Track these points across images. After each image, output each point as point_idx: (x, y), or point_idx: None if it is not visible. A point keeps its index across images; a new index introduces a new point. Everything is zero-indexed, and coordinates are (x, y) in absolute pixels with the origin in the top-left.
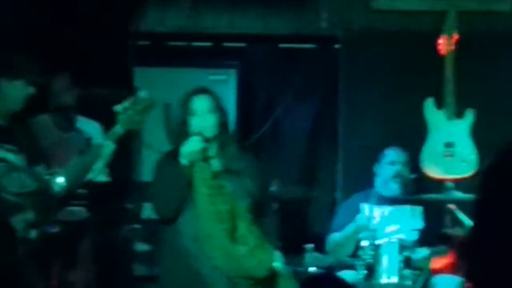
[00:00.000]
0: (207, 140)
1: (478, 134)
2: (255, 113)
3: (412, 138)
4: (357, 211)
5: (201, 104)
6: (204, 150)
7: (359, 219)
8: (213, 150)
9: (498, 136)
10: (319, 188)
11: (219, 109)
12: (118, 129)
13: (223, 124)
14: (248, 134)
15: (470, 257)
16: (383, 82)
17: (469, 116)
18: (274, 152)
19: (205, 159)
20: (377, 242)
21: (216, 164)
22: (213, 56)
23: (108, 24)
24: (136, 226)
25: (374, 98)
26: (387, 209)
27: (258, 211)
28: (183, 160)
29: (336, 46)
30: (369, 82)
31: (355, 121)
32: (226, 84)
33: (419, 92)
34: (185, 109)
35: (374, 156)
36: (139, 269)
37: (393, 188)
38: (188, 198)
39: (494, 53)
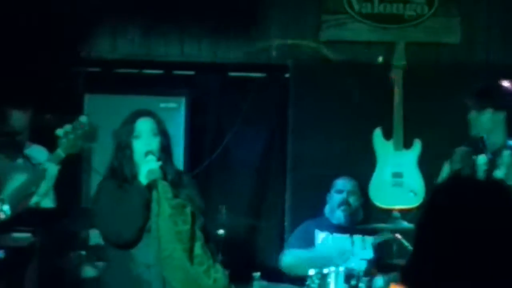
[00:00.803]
0: (158, 159)
1: (426, 165)
2: (204, 141)
3: (361, 167)
4: (311, 237)
5: (145, 126)
6: (161, 168)
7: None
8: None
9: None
10: (267, 216)
11: (162, 132)
12: (60, 152)
13: (165, 147)
14: (197, 161)
15: (408, 282)
16: (332, 111)
17: (417, 147)
18: (223, 180)
19: (164, 178)
20: (324, 270)
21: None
22: (163, 84)
23: (58, 51)
24: (83, 252)
25: (323, 127)
26: (337, 237)
27: (206, 231)
28: (143, 180)
29: (286, 75)
30: (319, 112)
31: (304, 150)
32: (177, 112)
33: (367, 122)
34: (129, 132)
35: (322, 185)
36: None
37: (339, 216)
38: (145, 222)
39: (442, 84)
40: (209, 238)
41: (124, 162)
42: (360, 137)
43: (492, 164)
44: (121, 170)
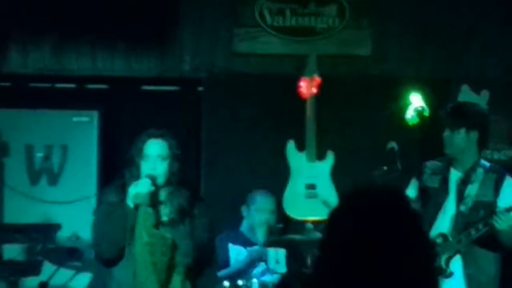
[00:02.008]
0: (156, 184)
1: (339, 176)
2: (118, 155)
3: (275, 179)
4: (225, 252)
5: (154, 149)
6: (151, 194)
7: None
8: (162, 196)
9: (358, 178)
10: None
11: (173, 156)
12: None
13: (175, 173)
14: (110, 175)
15: None
16: (245, 124)
17: (330, 158)
18: None
19: (153, 204)
20: (238, 282)
21: (163, 212)
22: (76, 98)
23: None
24: None
25: (237, 139)
26: (252, 251)
27: (200, 264)
28: (129, 202)
29: (199, 88)
30: (232, 124)
31: (218, 163)
32: (89, 126)
33: (281, 134)
34: (138, 151)
35: (237, 197)
36: None
37: (260, 236)
38: (129, 242)
39: (354, 96)
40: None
41: (130, 180)
42: (274, 149)
43: (464, 181)
44: (126, 187)
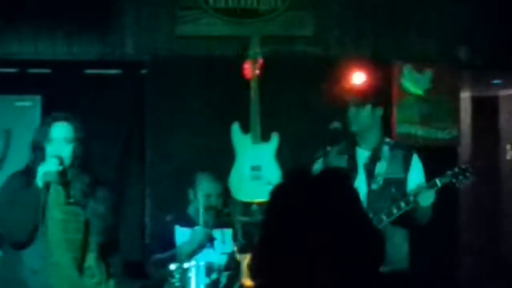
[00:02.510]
0: (63, 164)
1: (283, 157)
2: None
3: (220, 161)
4: (170, 234)
5: (60, 132)
6: (60, 173)
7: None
8: (68, 177)
9: (302, 158)
10: (127, 214)
11: (78, 139)
12: None
13: (79, 155)
14: None
15: (252, 270)
16: (190, 106)
17: (274, 140)
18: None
19: (62, 183)
20: (185, 265)
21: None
22: (18, 83)
23: None
24: None
25: (182, 123)
26: (195, 232)
27: (109, 245)
28: (39, 182)
29: (142, 71)
30: (176, 107)
31: (162, 145)
32: (32, 110)
33: (225, 116)
34: (43, 134)
35: (182, 180)
36: None
37: (207, 220)
38: (38, 223)
39: (297, 77)
40: (112, 254)
41: (35, 164)
42: (219, 132)
43: (373, 159)
44: (32, 171)
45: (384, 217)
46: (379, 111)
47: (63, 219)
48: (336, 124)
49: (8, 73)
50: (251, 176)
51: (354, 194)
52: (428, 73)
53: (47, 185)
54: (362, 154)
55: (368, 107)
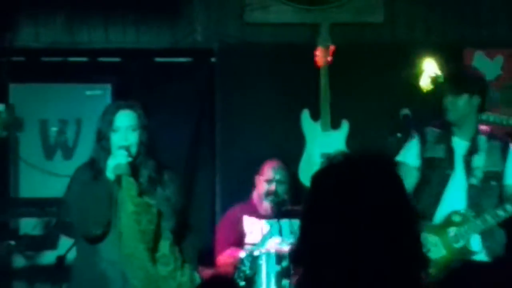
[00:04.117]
0: (131, 155)
1: (353, 145)
2: None
3: (290, 149)
4: (240, 224)
5: (124, 120)
6: (130, 164)
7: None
8: (136, 166)
9: (372, 146)
10: (198, 202)
11: (143, 127)
12: None
13: (144, 143)
14: None
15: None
16: (259, 94)
17: (345, 127)
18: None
19: (132, 174)
20: (255, 253)
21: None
22: (88, 71)
23: None
24: (12, 242)
25: (251, 110)
26: (267, 222)
27: (181, 230)
28: (109, 174)
29: (212, 59)
30: (246, 95)
31: (233, 133)
32: (103, 99)
33: (295, 103)
34: (108, 124)
35: (252, 168)
36: (18, 286)
37: (266, 207)
38: (112, 216)
39: (367, 64)
40: (185, 239)
41: (101, 154)
42: (288, 119)
43: (471, 151)
44: (98, 162)
45: (489, 219)
46: (476, 100)
47: (135, 211)
48: (405, 111)
49: (78, 62)
50: (321, 164)
51: (398, 180)
52: (499, 59)
53: (118, 178)
54: (460, 144)
55: (465, 95)
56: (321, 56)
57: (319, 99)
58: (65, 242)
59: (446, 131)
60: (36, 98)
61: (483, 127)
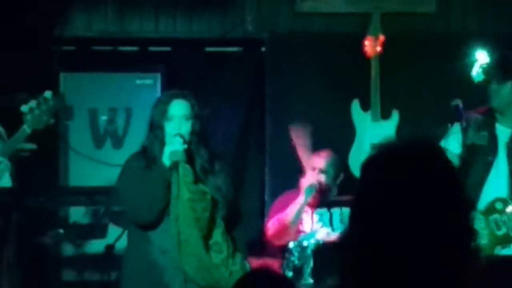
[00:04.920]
0: (186, 143)
1: (404, 135)
2: None
3: (340, 139)
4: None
5: (178, 109)
6: (186, 152)
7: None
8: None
9: (422, 136)
10: (248, 191)
11: (196, 116)
12: (25, 129)
13: (197, 132)
14: None
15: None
16: (309, 84)
17: (395, 117)
18: None
19: (188, 162)
20: (304, 243)
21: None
22: (139, 61)
23: (33, 30)
24: (61, 231)
25: (301, 100)
26: (317, 212)
27: (231, 218)
28: (166, 161)
29: (262, 49)
30: (296, 85)
31: (282, 123)
32: (153, 89)
33: (345, 93)
34: (161, 113)
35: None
36: (67, 274)
37: (307, 195)
38: (167, 203)
39: (418, 54)
40: (235, 228)
41: (155, 143)
42: (338, 109)
43: None
44: (151, 150)
45: None
46: None
47: (191, 198)
48: (456, 101)
49: (128, 51)
50: (371, 152)
51: (451, 168)
52: None
53: (175, 165)
54: (503, 132)
55: (509, 83)
56: (371, 46)
57: (370, 89)
58: (114, 231)
59: (490, 118)
60: (86, 87)
61: None
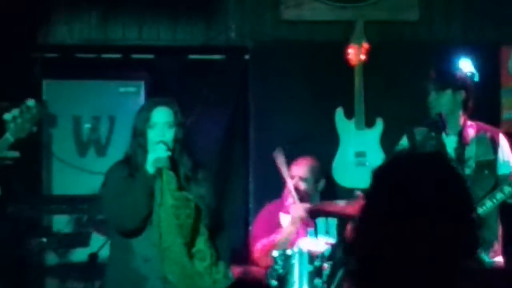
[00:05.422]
0: (169, 150)
1: (388, 143)
2: None
3: (324, 148)
4: (276, 221)
5: (161, 116)
6: (169, 159)
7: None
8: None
9: None
10: (232, 199)
11: (179, 124)
12: (8, 137)
13: (180, 140)
14: None
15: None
16: (293, 92)
17: (379, 125)
18: None
19: (171, 169)
20: (288, 252)
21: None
22: (122, 68)
23: (15, 37)
24: (44, 239)
25: (285, 108)
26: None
27: (214, 227)
28: (150, 168)
29: (246, 56)
30: (279, 92)
31: (266, 131)
32: (136, 96)
33: (329, 101)
34: (144, 120)
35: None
36: (51, 283)
37: (290, 202)
38: (150, 210)
39: (402, 62)
40: (218, 236)
41: (138, 150)
42: (322, 117)
43: (461, 144)
44: (134, 158)
45: (488, 203)
46: (460, 95)
47: (174, 205)
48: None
49: (112, 59)
50: (356, 162)
51: (461, 176)
52: None
53: (159, 171)
54: (449, 139)
55: (448, 90)
56: (355, 54)
57: (354, 97)
58: (97, 240)
59: (434, 128)
60: (70, 95)
61: (469, 122)
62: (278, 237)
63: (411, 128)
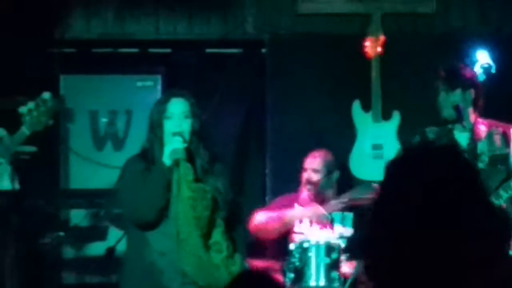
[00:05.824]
0: (186, 141)
1: (405, 136)
2: None
3: (340, 140)
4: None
5: (178, 107)
6: (186, 150)
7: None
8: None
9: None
10: (248, 192)
11: (195, 115)
12: (24, 130)
13: (197, 131)
14: None
15: (363, 251)
16: (310, 85)
17: (396, 118)
18: None
19: (188, 160)
20: (304, 245)
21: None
22: (139, 62)
23: (33, 32)
24: (62, 233)
25: (302, 101)
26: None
27: (231, 219)
28: (166, 160)
29: (263, 50)
30: (296, 86)
31: (283, 125)
32: (153, 90)
33: (346, 94)
34: (161, 111)
35: (302, 159)
36: (68, 277)
37: (304, 195)
38: (167, 203)
39: (419, 55)
40: (235, 229)
41: (155, 142)
42: (339, 110)
43: (473, 139)
44: (151, 150)
45: (502, 193)
46: (470, 94)
47: (191, 197)
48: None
49: (129, 53)
50: (372, 155)
51: (474, 170)
52: None
53: (176, 163)
54: (461, 136)
55: (458, 91)
56: (372, 46)
57: (370, 90)
58: (114, 234)
59: (445, 126)
60: (87, 89)
61: (480, 119)
62: (287, 213)
63: (423, 128)
